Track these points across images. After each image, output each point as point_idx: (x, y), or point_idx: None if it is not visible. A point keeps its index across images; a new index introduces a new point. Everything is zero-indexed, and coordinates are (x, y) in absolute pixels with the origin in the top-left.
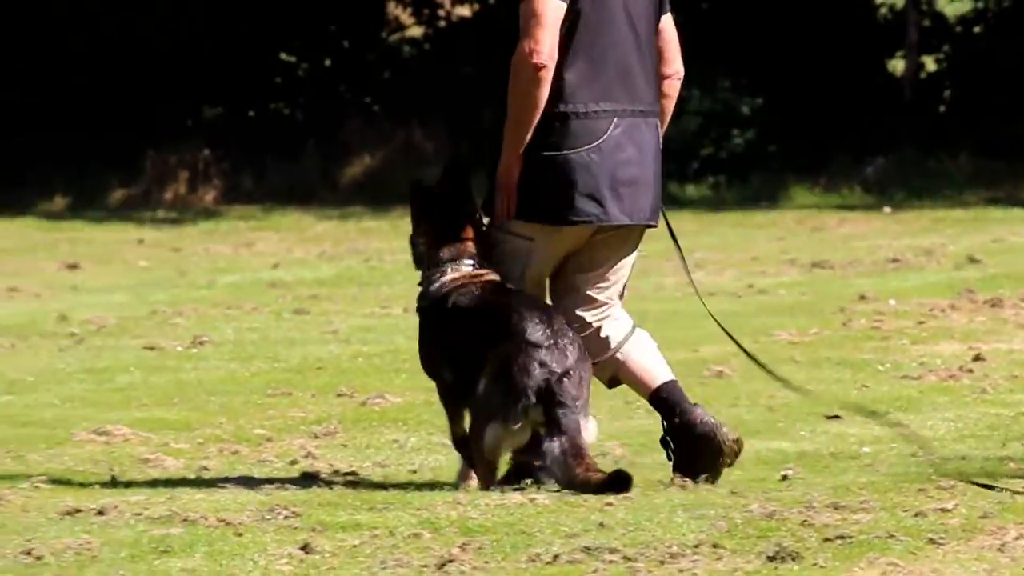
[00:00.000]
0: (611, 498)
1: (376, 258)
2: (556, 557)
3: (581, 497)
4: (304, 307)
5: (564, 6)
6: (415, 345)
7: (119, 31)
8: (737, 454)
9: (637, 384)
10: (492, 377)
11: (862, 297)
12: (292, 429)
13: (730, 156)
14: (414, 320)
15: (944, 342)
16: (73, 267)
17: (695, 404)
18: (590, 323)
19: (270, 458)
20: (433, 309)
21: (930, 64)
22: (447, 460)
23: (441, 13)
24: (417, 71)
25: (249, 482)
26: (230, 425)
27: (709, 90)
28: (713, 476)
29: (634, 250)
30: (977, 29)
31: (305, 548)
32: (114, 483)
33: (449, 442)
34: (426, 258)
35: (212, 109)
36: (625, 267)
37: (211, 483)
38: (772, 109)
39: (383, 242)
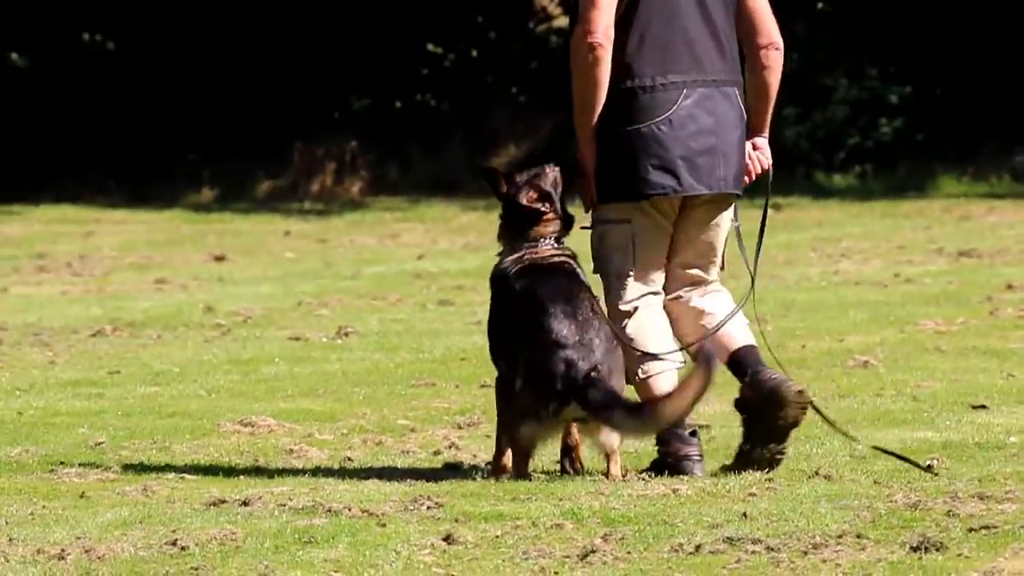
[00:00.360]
0: (754, 488)
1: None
2: (698, 548)
3: (724, 487)
4: (449, 298)
5: None
6: None
7: (268, 24)
8: (803, 407)
9: (719, 349)
10: (525, 376)
11: (1009, 286)
12: (436, 420)
13: (877, 145)
14: None
15: None
16: (220, 259)
17: (767, 367)
18: (692, 302)
19: (413, 449)
20: (494, 287)
21: None
22: (589, 451)
23: None
24: (564, 61)
25: (392, 473)
26: (374, 416)
27: (856, 79)
28: (779, 437)
29: (725, 221)
30: None
31: (448, 539)
32: (259, 474)
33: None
34: (500, 237)
35: (359, 101)
36: (719, 239)
37: (355, 474)
38: (920, 98)
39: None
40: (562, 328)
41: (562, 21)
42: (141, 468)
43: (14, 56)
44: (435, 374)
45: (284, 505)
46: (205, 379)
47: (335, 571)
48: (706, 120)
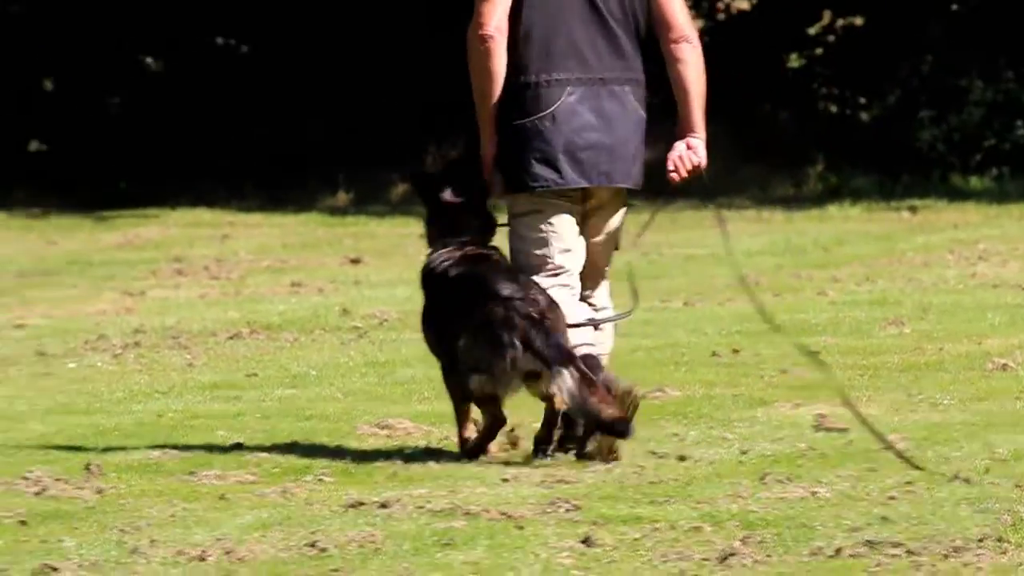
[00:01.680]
0: (894, 491)
1: (655, 251)
2: (838, 551)
3: (863, 490)
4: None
5: None
6: (694, 339)
7: (403, 26)
8: (625, 403)
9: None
10: (473, 333)
11: None
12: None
13: (1014, 147)
14: (695, 313)
15: None
16: (356, 261)
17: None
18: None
19: (550, 451)
20: (426, 282)
21: None
22: (727, 453)
23: (720, 6)
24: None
25: (530, 475)
26: (511, 418)
27: (992, 80)
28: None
29: (616, 216)
30: None
31: (586, 541)
32: (397, 476)
33: (729, 435)
34: (428, 239)
35: None
36: (615, 232)
37: (492, 476)
38: None
39: (661, 235)
40: (505, 287)
41: (696, 24)
42: (280, 470)
43: (148, 60)
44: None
45: (423, 507)
46: (342, 382)
47: (473, 574)
48: (589, 117)
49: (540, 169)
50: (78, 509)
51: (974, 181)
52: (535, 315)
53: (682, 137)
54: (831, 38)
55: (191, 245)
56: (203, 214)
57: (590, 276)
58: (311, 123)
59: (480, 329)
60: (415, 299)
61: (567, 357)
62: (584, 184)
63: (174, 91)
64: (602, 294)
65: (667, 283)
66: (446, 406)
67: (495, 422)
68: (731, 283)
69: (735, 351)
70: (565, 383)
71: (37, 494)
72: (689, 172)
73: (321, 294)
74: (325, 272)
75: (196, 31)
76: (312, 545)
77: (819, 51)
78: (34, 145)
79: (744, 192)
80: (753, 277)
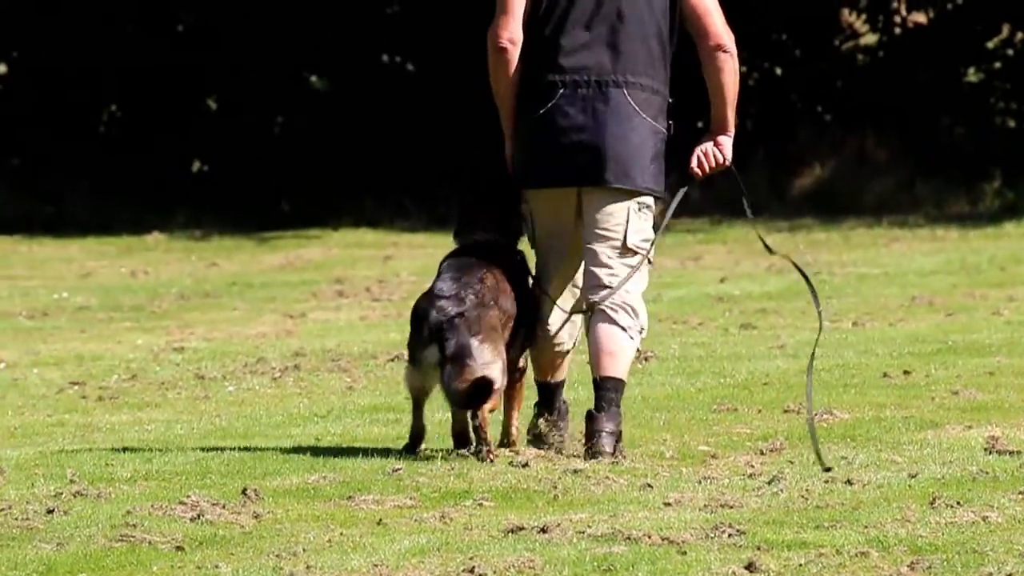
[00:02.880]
0: None
1: (826, 271)
2: None
3: None
4: (751, 321)
5: None
6: (865, 360)
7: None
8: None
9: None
10: (410, 326)
11: None
12: (737, 446)
13: None
14: (865, 334)
15: None
16: None
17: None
18: (605, 280)
19: (714, 475)
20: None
21: None
22: (896, 478)
23: (896, 20)
24: (871, 79)
25: (693, 499)
26: (674, 442)
27: None
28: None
29: (618, 214)
30: None
31: (750, 567)
32: (556, 500)
33: (898, 459)
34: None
35: None
36: (612, 231)
37: (655, 501)
38: None
39: (833, 254)
40: (441, 284)
41: (869, 39)
42: (439, 495)
43: (312, 79)
44: (737, 399)
45: (583, 532)
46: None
47: None
48: (580, 118)
49: (530, 168)
50: (235, 534)
51: None
52: (453, 313)
53: (712, 135)
54: (1010, 52)
55: (353, 266)
56: (366, 234)
57: (584, 278)
58: (476, 140)
59: (411, 322)
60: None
61: (457, 356)
62: (565, 185)
63: (338, 110)
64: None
65: (838, 303)
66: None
67: (415, 433)
68: (903, 303)
69: (906, 372)
70: (444, 379)
71: (193, 519)
72: (712, 168)
73: None
74: None
75: (361, 49)
76: (470, 571)
77: (997, 65)
78: (196, 165)
79: (919, 209)
80: (926, 297)
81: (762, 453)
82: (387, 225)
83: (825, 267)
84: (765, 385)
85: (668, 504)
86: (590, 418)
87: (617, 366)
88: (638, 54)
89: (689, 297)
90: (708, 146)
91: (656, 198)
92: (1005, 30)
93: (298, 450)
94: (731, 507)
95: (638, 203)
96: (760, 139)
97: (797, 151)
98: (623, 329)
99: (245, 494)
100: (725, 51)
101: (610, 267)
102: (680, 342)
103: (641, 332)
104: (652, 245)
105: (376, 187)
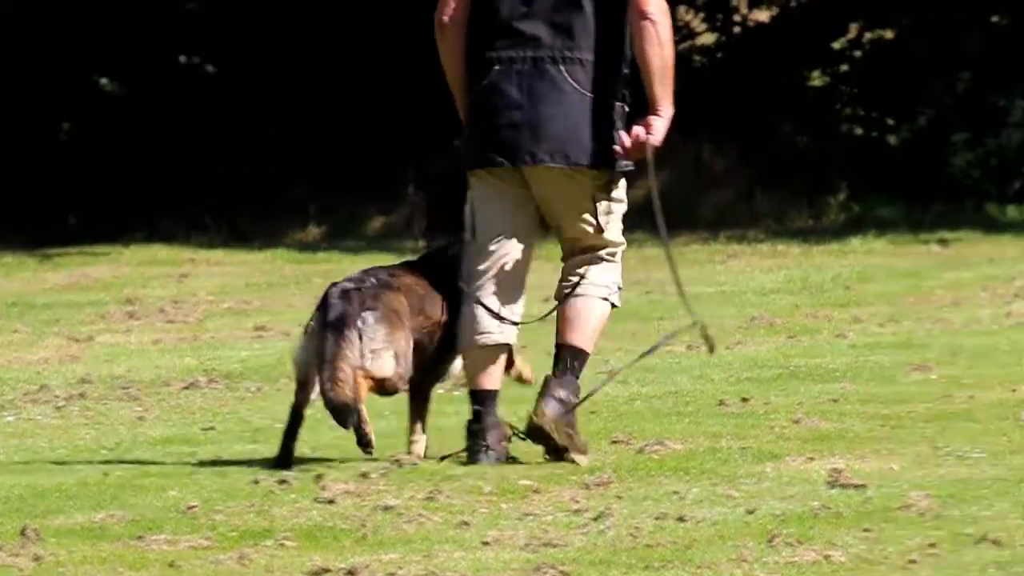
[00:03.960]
0: (914, 555)
1: (658, 290)
2: None
3: (881, 553)
4: None
5: None
6: (699, 386)
7: (382, 42)
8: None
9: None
10: None
11: None
12: (561, 480)
13: None
14: (700, 359)
15: None
16: None
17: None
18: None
19: (536, 511)
20: None
21: None
22: (733, 514)
23: (736, 18)
24: (708, 82)
25: (514, 537)
26: (494, 475)
27: None
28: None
29: (566, 193)
30: None
31: None
32: (366, 540)
33: (734, 493)
34: None
35: None
36: (562, 211)
37: (472, 539)
38: None
39: (665, 272)
40: (334, 289)
41: (707, 38)
42: (237, 534)
43: (104, 81)
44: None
45: (394, 574)
46: (309, 435)
47: None
48: (514, 95)
49: (469, 147)
50: None
51: (1012, 211)
52: (350, 287)
53: (646, 115)
54: (857, 53)
55: (145, 285)
56: (159, 251)
57: (576, 255)
58: (279, 150)
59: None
60: None
61: (338, 322)
62: (505, 165)
63: (130, 115)
64: (596, 272)
65: (670, 324)
66: (425, 462)
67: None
68: (741, 324)
69: (744, 400)
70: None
71: None
72: (633, 148)
73: (287, 339)
74: (293, 314)
75: (156, 49)
76: None
77: (844, 68)
78: None
79: (758, 223)
80: (766, 318)
81: (588, 488)
82: (183, 241)
83: (657, 286)
84: (592, 414)
85: (486, 543)
86: (544, 382)
87: (581, 335)
88: (578, 29)
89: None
90: (637, 127)
91: (618, 172)
92: (853, 30)
93: (83, 486)
94: (554, 546)
95: (594, 184)
96: None
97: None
98: (604, 299)
99: (24, 534)
100: (647, 18)
101: (598, 247)
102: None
103: (619, 289)
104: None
105: (171, 199)
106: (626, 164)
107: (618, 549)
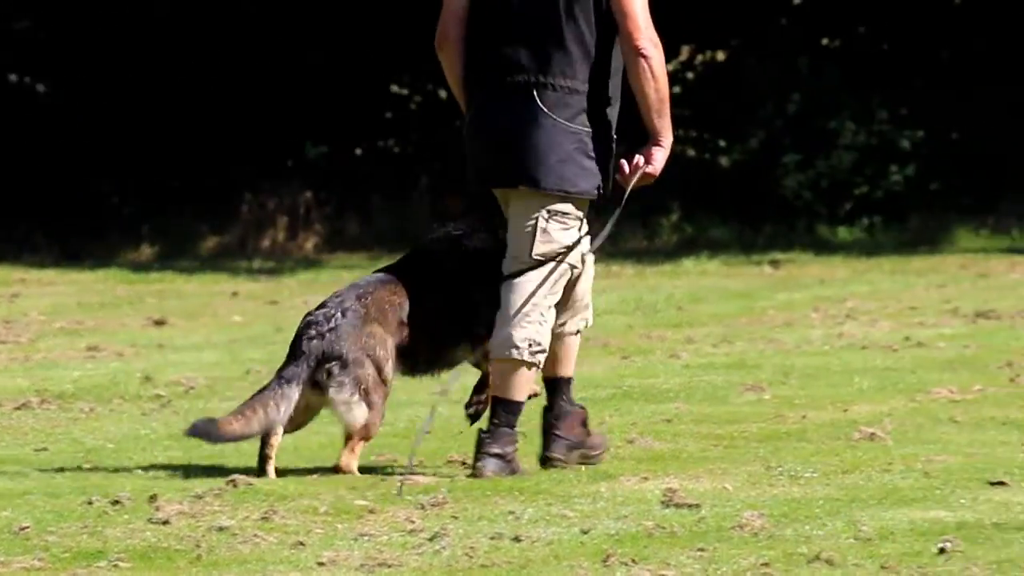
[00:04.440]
0: (748, 573)
1: None
2: None
3: (715, 572)
4: None
5: None
6: (532, 404)
7: (212, 63)
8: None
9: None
10: None
11: None
12: (397, 499)
13: (887, 195)
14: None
15: None
16: (160, 323)
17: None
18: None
19: (372, 531)
20: None
21: None
22: (568, 534)
23: None
24: None
25: (349, 558)
26: (329, 495)
27: (864, 122)
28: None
29: (534, 215)
30: None
31: None
32: (200, 561)
33: (569, 513)
34: None
35: (315, 148)
36: (526, 236)
37: (308, 560)
38: (934, 142)
39: None
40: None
41: None
42: (70, 555)
43: None
44: (397, 448)
45: None
46: (143, 456)
47: None
48: (495, 119)
49: (468, 167)
50: None
51: (842, 232)
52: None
53: (648, 144)
54: (690, 75)
55: None
56: None
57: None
58: (112, 170)
59: None
60: (224, 364)
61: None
62: (482, 186)
63: None
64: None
65: None
66: (259, 482)
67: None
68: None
69: None
70: None
71: None
72: (632, 175)
73: (121, 359)
74: (125, 335)
75: None
76: None
77: (677, 90)
78: None
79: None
80: (600, 339)
81: (424, 508)
82: (13, 260)
83: None
84: (427, 434)
85: (322, 563)
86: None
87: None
88: (557, 57)
89: None
90: (638, 156)
91: (581, 198)
92: (684, 52)
93: None
94: (390, 566)
95: (548, 211)
96: (422, 167)
97: (462, 177)
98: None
99: None
100: (640, 54)
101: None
102: None
103: (586, 324)
104: (574, 249)
105: (1, 217)
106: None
107: (454, 569)
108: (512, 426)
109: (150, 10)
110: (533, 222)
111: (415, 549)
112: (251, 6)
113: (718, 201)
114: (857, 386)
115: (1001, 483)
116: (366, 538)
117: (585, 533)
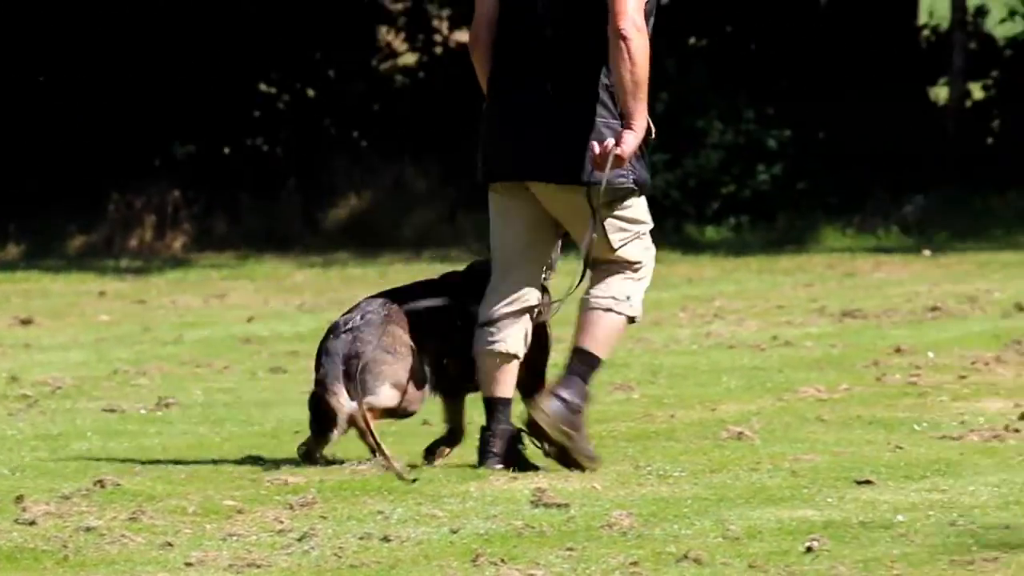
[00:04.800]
0: (617, 572)
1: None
2: None
3: (584, 571)
4: (281, 365)
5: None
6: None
7: (78, 60)
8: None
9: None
10: None
11: (898, 349)
12: (266, 500)
13: (754, 194)
14: None
15: (988, 399)
16: (26, 322)
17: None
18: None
19: (240, 532)
20: None
21: (977, 92)
22: (437, 534)
23: (437, 39)
24: (410, 102)
25: (218, 559)
26: (198, 495)
27: (731, 121)
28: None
29: (562, 209)
30: None
31: None
32: (67, 562)
33: (439, 513)
34: None
35: (182, 147)
36: (564, 226)
37: (176, 560)
38: (801, 142)
39: (369, 290)
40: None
41: (409, 59)
42: None
43: None
44: (266, 449)
45: None
46: (9, 456)
47: None
48: (507, 112)
49: (480, 162)
50: None
51: (710, 231)
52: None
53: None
54: None
55: None
56: None
57: (599, 267)
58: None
59: None
60: (91, 364)
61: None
62: (499, 179)
63: None
64: (607, 285)
65: None
66: (126, 482)
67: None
68: None
69: None
70: None
71: None
72: (601, 158)
73: None
74: None
75: None
76: None
77: None
78: None
79: (461, 242)
80: None
81: (292, 508)
82: None
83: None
84: (296, 434)
85: (190, 564)
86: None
87: (591, 340)
88: (574, 50)
89: (214, 338)
90: (608, 138)
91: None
92: None
93: None
94: (258, 566)
95: (596, 201)
96: (291, 167)
97: (331, 180)
98: (609, 310)
99: None
100: (620, 36)
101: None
102: (204, 387)
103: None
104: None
105: None
106: (598, 176)
107: (322, 569)
108: (585, 379)
109: (14, 10)
110: (588, 218)
111: (284, 549)
112: (118, 4)
113: None
114: (725, 385)
115: (868, 482)
116: (235, 538)
117: (454, 533)
